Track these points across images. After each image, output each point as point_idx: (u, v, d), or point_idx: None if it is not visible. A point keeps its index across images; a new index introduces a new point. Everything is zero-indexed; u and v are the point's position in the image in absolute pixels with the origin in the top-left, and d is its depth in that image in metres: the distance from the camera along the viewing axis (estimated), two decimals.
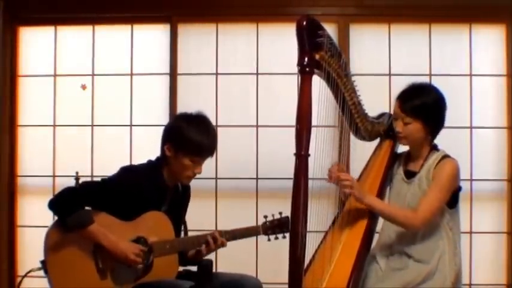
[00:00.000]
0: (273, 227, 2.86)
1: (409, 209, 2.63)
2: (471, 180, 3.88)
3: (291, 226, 2.25)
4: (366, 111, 2.73)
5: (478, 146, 3.94)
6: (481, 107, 3.96)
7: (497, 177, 3.96)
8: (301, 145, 2.22)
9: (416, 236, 2.65)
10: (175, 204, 2.80)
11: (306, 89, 2.25)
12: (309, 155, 2.25)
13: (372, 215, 2.68)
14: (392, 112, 2.79)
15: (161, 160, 2.73)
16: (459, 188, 2.69)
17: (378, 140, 2.91)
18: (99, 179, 2.73)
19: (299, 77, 2.39)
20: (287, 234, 2.63)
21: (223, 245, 2.74)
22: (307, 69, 2.26)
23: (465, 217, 3.83)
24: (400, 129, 2.67)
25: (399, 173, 2.77)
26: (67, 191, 2.58)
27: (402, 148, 2.86)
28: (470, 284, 3.90)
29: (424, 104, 2.63)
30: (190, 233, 2.89)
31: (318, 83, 2.41)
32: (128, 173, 2.68)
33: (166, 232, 2.69)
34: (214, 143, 2.73)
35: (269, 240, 2.87)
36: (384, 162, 2.80)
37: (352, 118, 2.68)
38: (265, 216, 2.87)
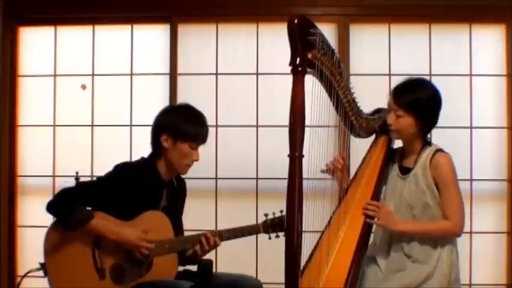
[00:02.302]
0: (273, 225, 2.86)
1: (440, 220, 2.62)
2: (471, 180, 3.89)
3: (286, 227, 2.24)
4: (361, 108, 2.73)
5: (478, 146, 3.93)
6: (481, 107, 3.96)
7: (497, 177, 3.96)
8: (294, 146, 2.21)
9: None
10: (173, 200, 2.81)
11: (298, 89, 2.22)
12: (302, 155, 2.23)
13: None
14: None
15: (155, 154, 2.75)
16: None
17: (373, 136, 2.91)
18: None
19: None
20: None
21: (216, 244, 2.74)
22: (299, 68, 2.24)
23: (465, 217, 3.83)
24: (392, 121, 2.67)
25: (394, 168, 2.77)
26: (64, 192, 2.58)
27: (398, 143, 2.86)
28: (470, 284, 3.90)
29: (417, 99, 2.62)
30: (189, 234, 2.88)
31: (310, 82, 2.41)
32: (124, 169, 2.68)
33: (165, 231, 2.69)
34: (208, 129, 2.79)
35: (270, 238, 2.87)
36: (379, 158, 2.80)
37: (347, 116, 2.68)
38: (266, 215, 2.87)
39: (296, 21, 2.25)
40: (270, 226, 2.86)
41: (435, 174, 2.62)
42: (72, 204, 2.52)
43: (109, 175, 2.66)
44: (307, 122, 2.24)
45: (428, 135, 2.76)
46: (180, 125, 2.69)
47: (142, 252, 2.58)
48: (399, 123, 2.65)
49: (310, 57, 2.32)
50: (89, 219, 2.52)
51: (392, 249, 2.71)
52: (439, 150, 2.67)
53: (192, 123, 2.71)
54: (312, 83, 2.43)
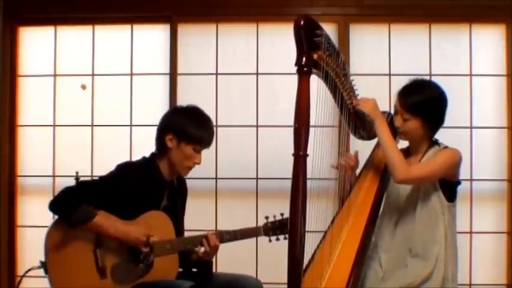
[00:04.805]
0: (274, 228, 2.86)
1: (404, 160, 2.62)
2: (471, 180, 3.88)
3: (290, 226, 2.25)
4: None
5: (478, 146, 3.93)
6: (481, 107, 3.96)
7: (497, 177, 3.96)
8: (299, 145, 2.22)
9: (416, 227, 2.64)
10: (174, 199, 2.81)
11: (304, 89, 2.24)
12: (307, 155, 2.24)
13: (371, 213, 2.69)
14: (391, 111, 2.79)
15: (158, 153, 2.75)
16: (458, 183, 2.69)
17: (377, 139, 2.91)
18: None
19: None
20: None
21: (215, 245, 2.73)
22: (305, 69, 2.25)
23: (465, 217, 3.84)
24: (400, 124, 2.67)
25: None
26: (66, 191, 2.58)
27: (402, 144, 2.86)
28: (470, 284, 3.90)
29: (422, 101, 2.61)
30: (189, 234, 2.88)
31: (316, 82, 2.41)
32: (125, 169, 2.69)
33: (166, 232, 2.69)
34: (213, 134, 2.81)
35: (270, 241, 2.87)
36: (382, 161, 2.79)
37: (351, 117, 2.68)
38: (267, 217, 2.87)
39: (302, 22, 2.26)
40: (271, 229, 2.86)
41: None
42: (75, 203, 2.52)
43: (111, 175, 2.67)
44: (310, 122, 2.25)
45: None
46: (187, 127, 2.70)
47: (144, 249, 2.58)
48: (407, 126, 2.65)
49: (316, 57, 2.33)
50: (92, 217, 2.52)
51: (394, 239, 2.71)
52: (447, 147, 2.68)
53: (198, 127, 2.71)
54: (316, 84, 2.43)
